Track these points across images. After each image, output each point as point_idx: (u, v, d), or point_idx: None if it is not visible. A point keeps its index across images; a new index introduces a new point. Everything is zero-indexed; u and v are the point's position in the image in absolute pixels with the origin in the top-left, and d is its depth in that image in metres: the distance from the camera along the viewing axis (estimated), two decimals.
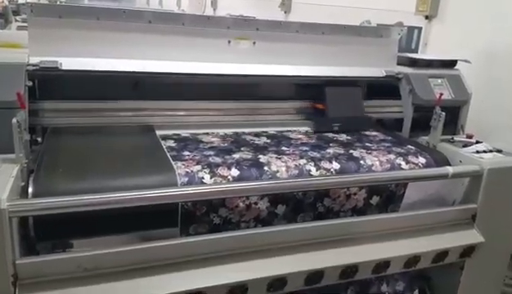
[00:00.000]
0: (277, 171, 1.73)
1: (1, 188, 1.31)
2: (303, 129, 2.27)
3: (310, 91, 2.41)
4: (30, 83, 1.73)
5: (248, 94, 2.31)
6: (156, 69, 2.01)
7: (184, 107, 2.16)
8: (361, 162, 1.89)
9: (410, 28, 3.49)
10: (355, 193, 1.86)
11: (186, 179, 1.59)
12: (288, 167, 1.76)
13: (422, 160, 2.00)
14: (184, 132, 2.07)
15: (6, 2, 7.26)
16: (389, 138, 2.26)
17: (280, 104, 2.35)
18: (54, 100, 1.92)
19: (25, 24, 2.00)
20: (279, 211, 1.77)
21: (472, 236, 1.99)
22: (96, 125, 1.97)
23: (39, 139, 1.87)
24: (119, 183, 1.51)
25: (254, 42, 2.19)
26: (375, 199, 1.92)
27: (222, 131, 2.13)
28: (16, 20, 5.79)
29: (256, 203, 1.70)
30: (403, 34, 2.53)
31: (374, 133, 2.34)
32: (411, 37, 3.60)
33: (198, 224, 1.66)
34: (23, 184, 1.46)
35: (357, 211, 1.91)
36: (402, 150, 2.06)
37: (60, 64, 1.83)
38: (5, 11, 5.80)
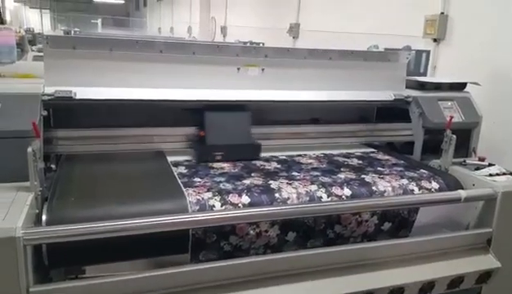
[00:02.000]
0: (288, 199, 1.73)
1: (16, 216, 1.34)
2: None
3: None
4: (45, 112, 1.77)
5: (257, 119, 2.33)
6: (167, 97, 2.04)
7: (194, 133, 2.18)
8: (373, 188, 1.88)
9: (419, 52, 3.51)
10: (366, 220, 1.85)
11: (197, 207, 1.60)
12: (299, 194, 1.76)
13: (435, 185, 1.98)
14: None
15: (23, 32, 7.49)
16: (401, 162, 2.25)
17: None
18: (68, 129, 1.96)
19: (41, 54, 2.06)
20: (289, 237, 1.76)
21: (488, 261, 1.95)
22: (109, 152, 2.00)
23: (53, 166, 1.91)
24: (131, 210, 1.52)
25: (263, 69, 2.23)
26: (386, 225, 1.91)
27: None
28: (32, 50, 5.97)
29: (266, 231, 1.70)
30: (411, 58, 2.55)
31: (386, 157, 2.33)
32: (420, 60, 3.62)
33: (208, 251, 1.66)
34: (37, 212, 1.48)
35: (367, 237, 1.89)
36: (415, 174, 2.04)
37: (75, 93, 1.88)
38: (21, 41, 5.97)
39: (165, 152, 2.09)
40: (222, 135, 2.10)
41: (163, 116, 2.15)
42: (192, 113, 2.13)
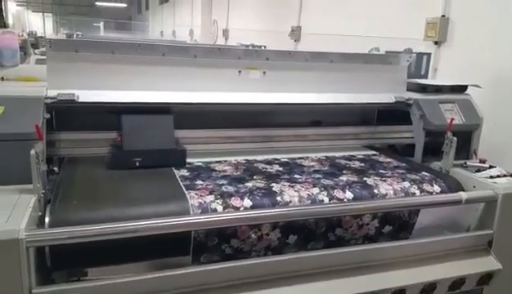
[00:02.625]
0: (290, 202, 1.74)
1: (19, 218, 1.35)
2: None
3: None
4: (48, 115, 1.78)
5: (259, 122, 2.34)
6: (169, 100, 2.05)
7: (196, 136, 2.19)
8: (375, 191, 1.88)
9: (420, 55, 3.51)
10: (367, 223, 1.85)
11: (199, 211, 1.61)
12: (301, 197, 1.76)
13: (437, 188, 1.98)
14: (196, 161, 2.09)
15: (26, 36, 7.52)
16: (403, 164, 2.25)
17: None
18: (70, 131, 1.97)
19: (44, 57, 2.07)
20: (290, 240, 1.77)
21: (489, 263, 1.95)
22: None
23: (56, 169, 1.92)
24: (133, 212, 1.53)
25: (264, 72, 2.24)
26: (387, 228, 1.91)
27: (233, 159, 2.16)
28: (35, 53, 6.00)
29: (268, 234, 1.70)
30: (412, 60, 2.56)
31: (388, 159, 2.34)
32: (420, 63, 3.62)
33: (209, 254, 1.66)
34: (40, 214, 1.49)
35: (368, 239, 1.90)
36: (417, 177, 2.04)
37: (77, 96, 1.89)
38: (24, 45, 6.00)
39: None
40: (142, 140, 1.95)
41: None
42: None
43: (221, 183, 1.82)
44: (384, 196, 1.88)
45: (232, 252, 1.69)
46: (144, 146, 1.95)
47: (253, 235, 1.68)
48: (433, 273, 1.84)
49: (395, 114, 2.50)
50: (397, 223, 1.92)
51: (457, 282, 1.89)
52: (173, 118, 2.04)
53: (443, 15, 3.77)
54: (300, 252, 1.74)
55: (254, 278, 1.59)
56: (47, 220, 1.46)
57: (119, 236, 1.42)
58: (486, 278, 1.95)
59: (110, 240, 1.42)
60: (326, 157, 2.31)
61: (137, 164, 1.92)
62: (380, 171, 2.12)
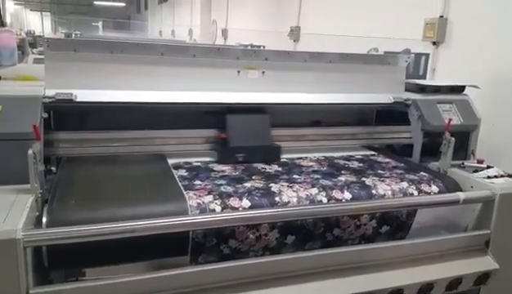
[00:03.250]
0: (288, 203, 1.74)
1: (16, 218, 1.35)
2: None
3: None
4: (46, 115, 1.78)
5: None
6: (168, 100, 2.05)
7: (194, 135, 2.19)
8: (373, 191, 1.88)
9: (418, 55, 3.52)
10: (365, 224, 1.85)
11: (198, 211, 1.60)
12: (299, 198, 1.76)
13: (435, 189, 1.98)
14: (195, 160, 2.09)
15: (24, 35, 7.52)
16: (401, 165, 2.26)
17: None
18: (68, 131, 1.97)
19: (42, 57, 2.07)
20: (288, 240, 1.77)
21: (486, 263, 1.96)
22: (109, 154, 2.01)
23: (53, 168, 1.91)
24: (131, 213, 1.53)
25: (263, 72, 2.24)
26: (384, 228, 1.91)
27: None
28: (33, 53, 5.99)
29: (266, 234, 1.70)
30: (411, 61, 2.56)
31: (386, 160, 2.34)
32: (419, 63, 3.63)
33: (207, 255, 1.67)
34: (37, 214, 1.49)
35: (365, 240, 1.90)
36: (415, 177, 2.05)
37: (75, 96, 1.89)
38: (22, 44, 5.99)
39: (166, 155, 2.10)
40: (244, 138, 2.14)
41: (162, 118, 2.16)
42: (213, 115, 2.18)
43: (219, 183, 1.82)
44: (383, 197, 1.88)
45: (230, 253, 1.69)
46: (246, 143, 2.12)
47: (251, 236, 1.68)
48: (430, 273, 1.84)
49: (393, 115, 2.50)
50: (395, 223, 1.92)
51: (454, 282, 1.89)
52: (268, 117, 2.22)
53: (441, 16, 3.77)
54: (297, 252, 1.75)
55: (251, 278, 1.60)
56: (44, 220, 1.46)
57: (117, 236, 1.42)
58: (483, 278, 1.96)
59: (107, 240, 1.42)
60: (325, 157, 2.31)
61: (240, 159, 2.09)
62: (379, 171, 2.12)
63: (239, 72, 2.21)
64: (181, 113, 2.20)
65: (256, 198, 1.71)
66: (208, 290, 1.54)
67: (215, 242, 1.65)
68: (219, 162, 2.09)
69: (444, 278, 1.86)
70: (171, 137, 2.14)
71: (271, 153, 2.18)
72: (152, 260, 1.65)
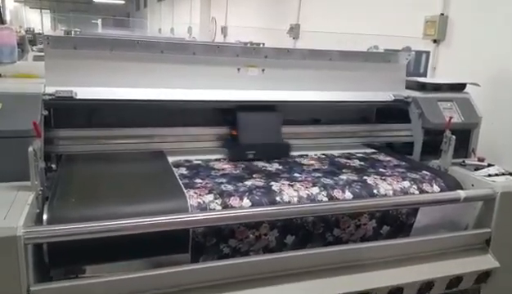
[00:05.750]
0: (289, 202, 1.73)
1: (16, 215, 1.34)
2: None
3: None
4: (46, 112, 1.78)
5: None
6: (168, 97, 2.05)
7: (194, 133, 2.19)
8: (375, 191, 1.87)
9: (418, 53, 3.52)
10: (365, 224, 1.85)
11: (198, 211, 1.60)
12: (300, 197, 1.75)
13: (436, 188, 1.97)
14: (195, 158, 2.09)
15: (23, 32, 7.49)
16: (403, 163, 2.24)
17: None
18: (68, 128, 1.97)
19: (41, 54, 2.06)
20: (288, 240, 1.76)
21: (487, 261, 1.96)
22: (110, 152, 2.01)
23: (54, 166, 1.91)
24: (131, 210, 1.53)
25: (263, 70, 2.24)
26: (385, 229, 1.91)
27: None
28: (33, 50, 5.97)
29: (266, 234, 1.70)
30: (411, 59, 2.56)
31: (387, 158, 2.33)
32: (419, 61, 3.63)
33: (208, 255, 1.66)
34: (38, 211, 1.49)
35: (366, 240, 1.89)
36: (417, 176, 2.03)
37: (75, 93, 1.88)
38: (22, 41, 5.97)
39: (165, 152, 2.10)
40: (255, 135, 2.15)
41: (162, 116, 2.16)
42: (219, 112, 2.21)
43: (220, 181, 1.81)
44: (384, 196, 1.87)
45: (230, 252, 1.68)
46: (257, 140, 2.12)
47: (251, 235, 1.67)
48: (430, 272, 1.84)
49: (394, 112, 2.50)
50: (395, 223, 1.91)
51: (455, 281, 1.89)
52: (279, 115, 2.23)
53: (442, 14, 3.77)
54: (297, 250, 1.74)
55: (251, 275, 1.60)
56: (45, 217, 1.45)
57: (117, 233, 1.42)
58: (483, 276, 1.96)
59: (108, 237, 1.41)
60: (326, 155, 2.31)
61: (251, 156, 2.10)
62: (380, 169, 2.11)
63: (239, 69, 2.21)
64: (185, 111, 2.20)
65: (257, 197, 1.70)
66: (207, 287, 1.54)
67: (215, 242, 1.64)
68: (230, 159, 2.09)
69: (444, 277, 1.86)
70: (175, 135, 2.14)
71: (281, 151, 2.20)
72: (152, 257, 1.65)
